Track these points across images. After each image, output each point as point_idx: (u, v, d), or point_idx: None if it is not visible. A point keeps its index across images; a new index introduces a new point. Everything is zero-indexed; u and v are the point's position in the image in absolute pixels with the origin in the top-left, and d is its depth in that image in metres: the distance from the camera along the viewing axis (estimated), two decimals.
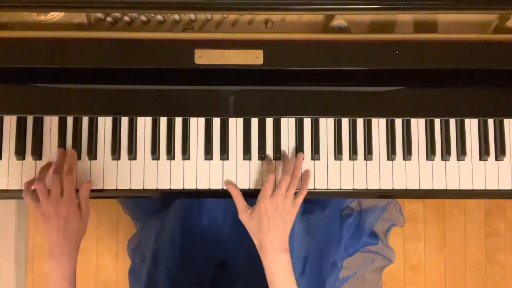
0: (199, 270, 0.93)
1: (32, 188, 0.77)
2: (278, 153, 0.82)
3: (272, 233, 0.74)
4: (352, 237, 1.19)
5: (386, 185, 0.83)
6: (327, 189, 0.82)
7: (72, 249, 0.74)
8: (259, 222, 0.75)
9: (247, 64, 0.72)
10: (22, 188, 0.78)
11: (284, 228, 0.76)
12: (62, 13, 0.76)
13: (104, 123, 0.82)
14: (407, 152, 0.83)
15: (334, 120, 0.83)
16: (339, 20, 0.77)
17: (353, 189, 0.83)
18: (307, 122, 0.83)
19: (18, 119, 0.82)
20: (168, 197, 0.95)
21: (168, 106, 0.77)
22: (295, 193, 0.78)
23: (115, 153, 0.81)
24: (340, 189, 0.82)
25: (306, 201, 1.01)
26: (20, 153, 0.81)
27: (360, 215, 1.20)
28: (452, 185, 0.83)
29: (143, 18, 0.78)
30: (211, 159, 0.82)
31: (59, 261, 0.73)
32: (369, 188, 0.83)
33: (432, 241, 1.69)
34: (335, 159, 0.83)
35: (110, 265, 1.64)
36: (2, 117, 0.82)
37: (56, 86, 0.75)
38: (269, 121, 0.83)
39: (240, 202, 0.79)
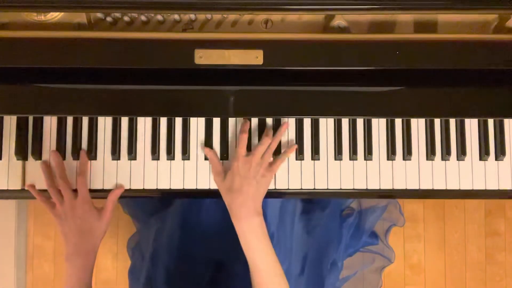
0: (198, 270, 0.93)
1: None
2: (278, 153, 0.82)
3: (244, 193, 0.73)
4: (352, 237, 1.19)
5: (386, 185, 0.83)
6: (327, 189, 0.82)
7: (88, 251, 0.74)
8: (231, 182, 0.75)
9: (247, 64, 0.72)
10: (32, 192, 0.78)
11: (257, 189, 0.74)
12: (62, 13, 0.76)
13: (104, 123, 0.82)
14: (407, 152, 0.83)
15: (334, 120, 0.83)
16: (339, 20, 0.77)
17: (353, 189, 0.83)
18: (307, 122, 0.83)
19: (18, 119, 0.82)
20: (168, 197, 0.95)
21: (168, 106, 0.77)
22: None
23: (115, 153, 0.81)
24: (340, 189, 0.82)
25: (306, 201, 1.01)
26: (20, 153, 0.81)
27: (360, 215, 1.20)
28: (452, 185, 0.83)
29: (143, 18, 0.78)
30: None
31: (75, 263, 0.73)
32: (369, 188, 0.83)
33: (432, 241, 1.68)
34: (335, 159, 0.83)
35: (110, 265, 1.64)
36: (2, 117, 0.82)
37: (56, 86, 0.75)
38: (269, 121, 0.83)
39: (215, 164, 0.79)
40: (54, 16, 0.76)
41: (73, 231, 0.73)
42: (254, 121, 0.83)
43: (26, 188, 0.79)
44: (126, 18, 0.77)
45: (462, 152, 0.83)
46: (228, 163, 0.81)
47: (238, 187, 0.73)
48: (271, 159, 0.80)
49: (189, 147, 0.82)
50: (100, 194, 0.82)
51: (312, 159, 0.82)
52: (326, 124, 0.83)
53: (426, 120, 0.84)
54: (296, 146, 0.82)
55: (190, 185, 0.82)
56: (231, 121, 0.83)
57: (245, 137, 0.78)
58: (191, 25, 0.79)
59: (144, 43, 0.73)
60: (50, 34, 0.73)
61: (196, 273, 0.92)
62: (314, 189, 0.82)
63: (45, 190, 0.78)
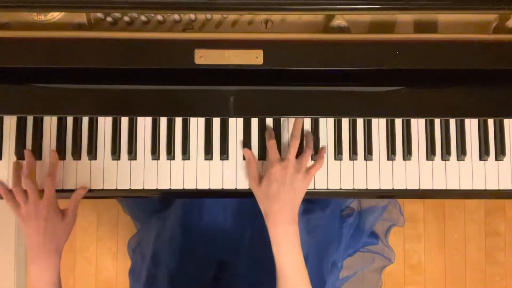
0: (199, 270, 0.93)
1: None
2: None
3: (281, 200, 0.72)
4: (352, 237, 1.19)
5: (386, 185, 0.83)
6: (327, 189, 0.82)
7: (53, 252, 0.73)
8: (268, 188, 0.73)
9: (247, 64, 0.72)
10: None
11: (295, 196, 0.73)
12: (62, 13, 0.76)
13: (104, 123, 0.82)
14: (407, 152, 0.83)
15: (334, 120, 0.83)
16: (339, 20, 0.77)
17: (353, 189, 0.83)
18: (307, 122, 0.83)
19: (18, 119, 0.82)
20: (168, 197, 0.95)
21: (168, 106, 0.77)
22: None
23: (115, 153, 0.81)
24: (340, 189, 0.82)
25: (306, 201, 1.01)
26: (20, 153, 0.81)
27: (360, 215, 1.20)
28: (452, 185, 0.83)
29: (143, 18, 0.78)
30: (211, 159, 0.82)
31: (40, 264, 0.72)
32: (369, 188, 0.83)
33: (432, 241, 1.69)
34: (335, 159, 0.83)
35: (110, 265, 1.64)
36: (2, 117, 0.82)
37: (56, 86, 0.75)
38: (269, 121, 0.83)
39: (253, 168, 0.78)
40: (54, 16, 0.76)
41: (36, 232, 0.73)
42: (254, 121, 0.83)
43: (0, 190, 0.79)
44: (126, 18, 0.77)
45: (462, 152, 0.83)
46: (227, 163, 0.81)
47: (275, 194, 0.72)
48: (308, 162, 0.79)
49: (189, 147, 0.82)
50: (100, 194, 0.82)
51: (312, 159, 0.82)
52: (326, 124, 0.83)
53: (426, 120, 0.84)
54: (324, 148, 0.82)
55: (190, 185, 0.82)
56: (231, 121, 0.83)
57: (273, 143, 0.78)
58: (191, 25, 0.79)
59: (144, 43, 0.73)
60: (50, 34, 0.72)
61: (198, 273, 0.92)
62: (314, 189, 0.82)
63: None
